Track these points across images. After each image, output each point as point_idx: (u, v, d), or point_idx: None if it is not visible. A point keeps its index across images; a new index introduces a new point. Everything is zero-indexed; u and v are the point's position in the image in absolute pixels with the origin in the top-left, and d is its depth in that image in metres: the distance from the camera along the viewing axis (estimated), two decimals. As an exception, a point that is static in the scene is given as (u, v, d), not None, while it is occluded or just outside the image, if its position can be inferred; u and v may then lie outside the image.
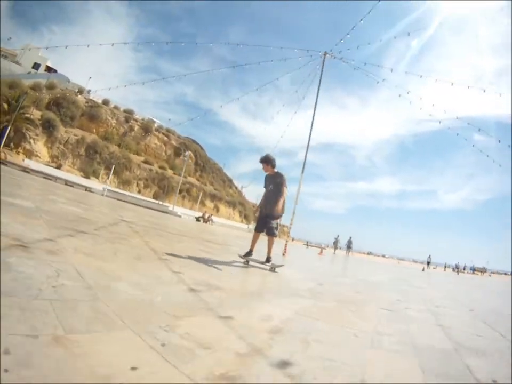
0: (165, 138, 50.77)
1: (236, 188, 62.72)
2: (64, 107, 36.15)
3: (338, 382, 1.58)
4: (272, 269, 5.51)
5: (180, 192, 40.30)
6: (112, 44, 17.25)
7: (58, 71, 46.81)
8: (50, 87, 37.42)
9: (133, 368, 1.27)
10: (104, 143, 37.40)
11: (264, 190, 5.69)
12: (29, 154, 28.87)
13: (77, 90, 40.94)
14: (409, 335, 2.73)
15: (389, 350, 2.23)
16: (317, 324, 2.64)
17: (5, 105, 27.76)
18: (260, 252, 6.08)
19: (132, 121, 45.98)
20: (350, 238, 30.16)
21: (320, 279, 6.40)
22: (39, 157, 29.78)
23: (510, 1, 23.12)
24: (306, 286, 4.84)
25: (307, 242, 72.91)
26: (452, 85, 15.64)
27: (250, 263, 5.86)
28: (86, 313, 1.74)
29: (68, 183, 24.39)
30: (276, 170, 5.57)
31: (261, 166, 5.62)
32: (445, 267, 53.23)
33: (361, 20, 14.24)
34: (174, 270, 3.65)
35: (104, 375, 1.17)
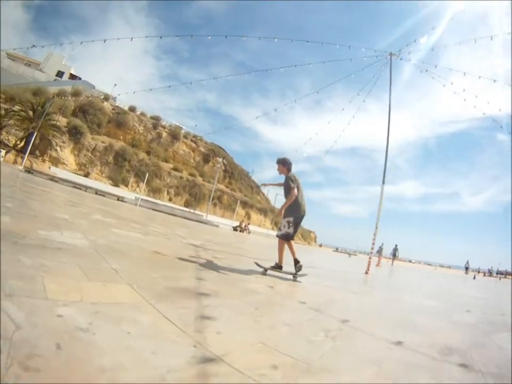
0: (193, 145, 49.23)
1: (263, 194, 60.87)
2: (90, 114, 34.90)
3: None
4: (295, 278, 4.90)
5: (212, 199, 38.22)
6: (131, 38, 16.04)
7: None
8: (76, 94, 35.93)
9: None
10: (133, 150, 35.75)
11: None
12: (55, 162, 27.30)
13: (102, 97, 39.44)
14: None
15: None
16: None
17: (30, 112, 25.95)
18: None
19: (159, 127, 44.27)
20: (396, 246, 27.48)
21: None
22: (66, 165, 28.20)
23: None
24: None
25: (337, 249, 69.77)
26: (495, 81, 13.47)
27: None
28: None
29: (98, 192, 22.86)
30: (290, 174, 5.14)
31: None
32: (478, 272, 48.43)
33: (433, 28, 13.68)
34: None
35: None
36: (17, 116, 25.28)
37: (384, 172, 10.84)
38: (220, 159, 42.79)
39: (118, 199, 23.61)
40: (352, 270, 11.96)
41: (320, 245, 71.44)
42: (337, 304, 3.69)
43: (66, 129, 29.25)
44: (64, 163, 28.01)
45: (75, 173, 27.31)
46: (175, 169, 40.36)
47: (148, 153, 38.33)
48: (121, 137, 38.14)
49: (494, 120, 14.81)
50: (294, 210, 4.96)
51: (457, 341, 2.66)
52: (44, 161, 26.17)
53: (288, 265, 5.14)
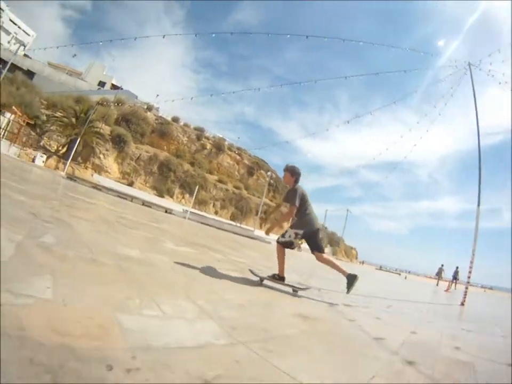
0: (238, 157, 47.04)
1: None
2: (133, 123, 33.73)
3: None
4: (295, 292, 4.22)
5: (257, 213, 36.31)
6: (164, 36, 16.62)
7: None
8: (119, 103, 34.85)
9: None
10: (178, 160, 33.90)
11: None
12: (98, 169, 26.15)
13: (145, 107, 38.30)
14: None
15: None
16: None
17: (73, 119, 24.50)
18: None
19: (203, 139, 42.43)
20: (457, 268, 23.11)
21: None
22: (109, 173, 26.91)
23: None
24: None
25: (380, 267, 64.75)
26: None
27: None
28: None
29: (145, 203, 21.50)
30: (296, 186, 4.54)
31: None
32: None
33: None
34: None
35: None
36: (60, 121, 24.16)
37: (479, 193, 9.98)
38: (269, 173, 40.39)
39: (165, 211, 22.05)
40: (439, 300, 10.53)
41: (362, 262, 68.96)
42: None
43: (110, 137, 27.97)
44: (107, 171, 26.82)
45: (118, 181, 26.14)
46: (220, 181, 38.36)
47: (192, 164, 36.61)
48: (165, 147, 36.84)
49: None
50: (307, 225, 4.44)
51: None
52: (86, 168, 24.93)
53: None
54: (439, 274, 25.37)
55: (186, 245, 6.35)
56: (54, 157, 22.16)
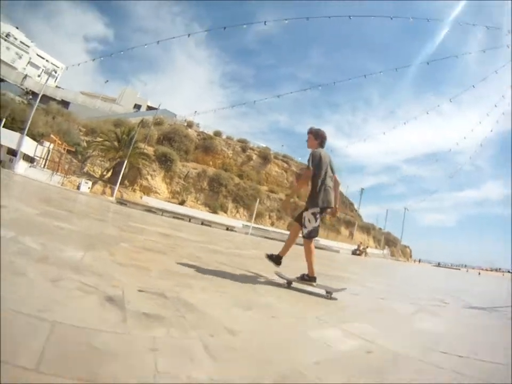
0: (285, 165, 44.51)
1: (356, 210, 55.19)
2: (176, 141, 32.24)
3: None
4: (329, 295, 3.31)
5: None
6: (189, 35, 17.66)
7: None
8: (158, 123, 34.07)
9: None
10: (228, 174, 31.94)
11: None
12: (146, 190, 24.86)
13: (185, 123, 36.89)
14: None
15: None
16: None
17: (115, 142, 22.92)
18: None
19: (248, 150, 40.17)
20: None
21: None
22: (158, 193, 25.62)
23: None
24: None
25: (438, 263, 64.80)
26: None
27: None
28: None
29: (204, 222, 20.08)
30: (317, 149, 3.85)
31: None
32: None
33: None
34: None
35: None
36: (101, 146, 22.68)
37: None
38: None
39: (227, 229, 20.62)
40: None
41: (419, 261, 64.96)
42: None
43: (155, 157, 26.23)
44: (156, 191, 25.48)
45: (169, 201, 24.62)
46: (271, 191, 36.04)
47: (240, 176, 34.57)
48: (210, 162, 35.12)
49: None
50: (321, 199, 3.62)
51: None
52: (134, 190, 23.40)
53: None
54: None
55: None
56: (100, 182, 20.56)
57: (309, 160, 3.64)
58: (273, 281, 3.58)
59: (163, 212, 18.39)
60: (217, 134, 39.99)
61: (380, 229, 52.19)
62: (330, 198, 3.64)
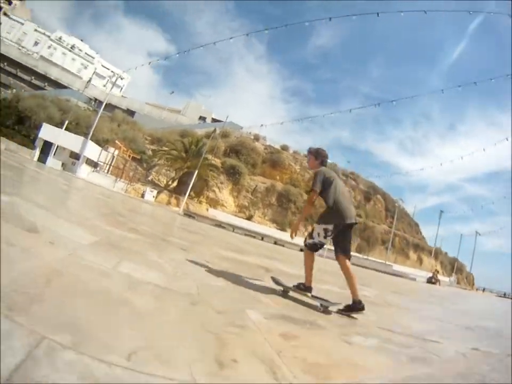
0: (353, 182, 42.14)
1: (421, 233, 51.58)
2: (243, 154, 31.06)
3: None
4: (324, 308, 3.12)
5: (383, 243, 34.03)
6: (247, 34, 18.02)
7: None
8: (225, 135, 33.27)
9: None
10: (297, 190, 30.20)
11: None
12: (213, 203, 23.78)
13: (252, 137, 35.48)
14: None
15: None
16: None
17: (182, 153, 21.64)
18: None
19: (315, 166, 37.82)
20: None
21: None
22: (225, 206, 24.47)
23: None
24: None
25: (505, 294, 57.60)
26: None
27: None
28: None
29: (278, 242, 18.47)
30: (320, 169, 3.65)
31: None
32: None
33: None
34: None
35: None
36: (168, 155, 21.45)
37: None
38: (399, 199, 35.90)
39: (300, 250, 17.26)
40: None
41: (483, 290, 56.59)
42: None
43: (223, 168, 25.02)
44: (223, 204, 24.38)
45: (236, 215, 23.55)
46: None
47: (308, 193, 31.61)
48: (278, 177, 33.37)
49: None
50: (336, 216, 3.37)
51: None
52: (200, 202, 22.23)
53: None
54: None
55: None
56: (165, 191, 19.23)
57: (313, 182, 3.44)
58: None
59: (234, 227, 16.78)
60: (284, 148, 38.52)
61: (446, 253, 48.22)
62: (346, 214, 3.32)
